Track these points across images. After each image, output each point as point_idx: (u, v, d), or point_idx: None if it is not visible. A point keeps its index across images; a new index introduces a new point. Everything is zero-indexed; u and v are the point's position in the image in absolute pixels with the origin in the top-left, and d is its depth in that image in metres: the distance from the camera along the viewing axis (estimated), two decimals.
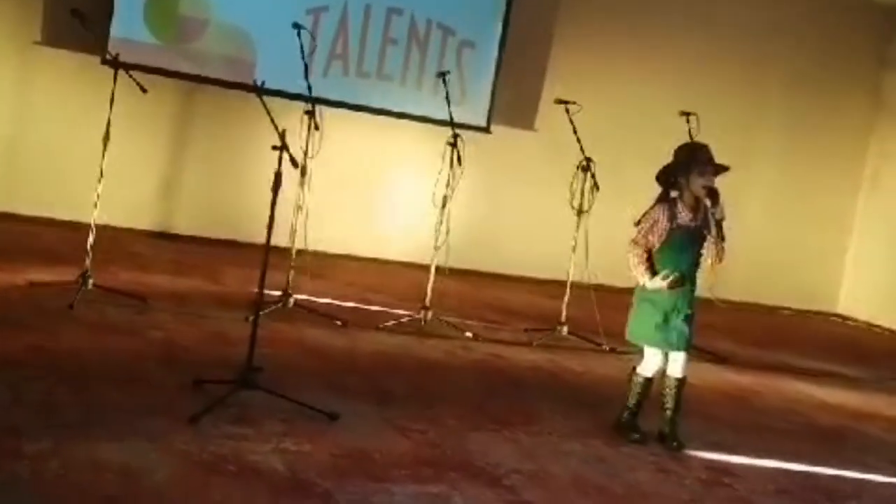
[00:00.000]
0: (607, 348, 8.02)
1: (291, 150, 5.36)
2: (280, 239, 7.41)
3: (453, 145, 7.87)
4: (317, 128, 7.43)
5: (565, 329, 8.18)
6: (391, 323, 7.64)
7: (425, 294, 7.87)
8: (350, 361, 6.61)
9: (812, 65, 12.20)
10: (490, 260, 10.83)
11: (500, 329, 8.30)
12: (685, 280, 5.68)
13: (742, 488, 5.33)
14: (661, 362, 5.78)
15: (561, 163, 8.73)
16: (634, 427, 5.81)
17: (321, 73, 9.79)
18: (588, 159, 8.24)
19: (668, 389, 5.78)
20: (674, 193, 5.74)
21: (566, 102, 8.32)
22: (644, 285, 5.71)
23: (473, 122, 10.23)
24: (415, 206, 9.62)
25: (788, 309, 12.22)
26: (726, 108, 11.54)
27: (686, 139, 8.59)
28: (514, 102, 10.81)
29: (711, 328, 8.97)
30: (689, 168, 5.64)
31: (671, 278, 5.63)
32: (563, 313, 8.21)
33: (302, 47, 7.41)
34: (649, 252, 5.72)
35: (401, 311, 7.96)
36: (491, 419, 5.80)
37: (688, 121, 8.66)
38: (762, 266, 11.89)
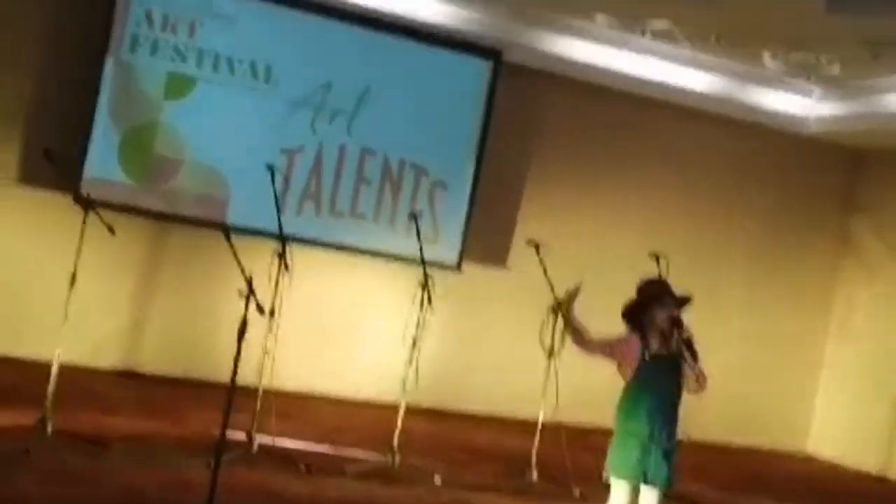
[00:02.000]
0: (578, 494, 7.87)
1: (258, 289, 5.34)
2: (247, 377, 7.35)
3: (424, 285, 7.86)
4: (287, 268, 7.41)
5: (535, 473, 8.04)
6: (357, 469, 7.49)
7: (393, 435, 7.75)
8: None
9: (779, 207, 12.35)
10: (459, 398, 10.72)
11: (470, 473, 8.14)
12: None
13: None
14: (628, 501, 5.64)
15: (532, 302, 8.72)
16: None
17: (294, 212, 9.85)
18: (559, 302, 8.22)
19: None
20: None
21: (537, 245, 8.35)
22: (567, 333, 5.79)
23: (445, 261, 10.26)
24: (385, 344, 9.56)
25: (758, 449, 12.10)
26: (694, 250, 11.63)
27: None
28: (486, 242, 10.87)
29: (680, 470, 8.86)
30: (653, 303, 5.68)
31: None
32: (534, 456, 8.08)
33: (274, 187, 7.47)
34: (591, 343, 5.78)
35: (368, 455, 7.82)
36: None
37: (658, 263, 8.71)
38: (731, 407, 11.81)
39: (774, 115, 11.70)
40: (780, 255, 12.38)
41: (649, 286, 5.86)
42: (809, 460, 12.23)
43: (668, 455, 5.60)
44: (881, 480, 11.34)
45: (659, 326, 5.65)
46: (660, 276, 6.09)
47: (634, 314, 5.75)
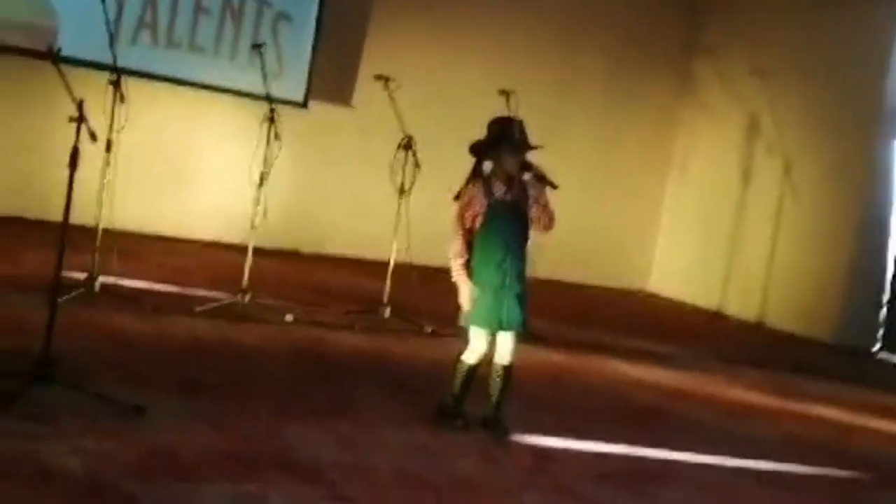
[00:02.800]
0: (430, 330, 7.89)
1: (92, 123, 4.98)
2: (86, 218, 6.98)
3: (271, 120, 7.56)
4: (122, 99, 6.97)
5: (388, 311, 8.00)
6: (205, 307, 7.28)
7: (242, 276, 7.54)
8: (159, 350, 6.25)
9: (623, 45, 12.38)
10: (310, 240, 10.54)
11: (322, 312, 8.04)
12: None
13: (564, 475, 5.28)
14: (486, 347, 5.66)
15: (381, 140, 8.54)
16: (458, 413, 5.68)
17: (129, 42, 9.28)
18: (409, 137, 8.07)
19: (495, 376, 5.65)
20: (487, 166, 5.64)
21: (386, 78, 8.12)
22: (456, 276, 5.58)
23: (291, 97, 9.90)
24: (230, 183, 9.23)
25: (602, 287, 12.41)
26: (542, 85, 11.56)
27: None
28: (332, 78, 10.52)
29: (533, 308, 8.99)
30: (501, 144, 5.57)
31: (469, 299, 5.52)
32: (386, 295, 8.03)
33: (106, 14, 6.96)
34: (470, 234, 5.58)
35: (217, 294, 7.60)
36: (309, 409, 5.57)
37: (507, 99, 8.59)
38: (575, 244, 11.98)
39: None
40: (623, 93, 12.47)
41: (500, 126, 5.71)
42: (651, 297, 12.64)
43: (520, 298, 5.60)
44: (719, 316, 11.83)
45: (507, 171, 5.55)
46: (510, 115, 5.96)
47: (483, 151, 5.64)
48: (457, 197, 5.66)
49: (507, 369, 5.65)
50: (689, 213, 12.61)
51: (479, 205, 5.54)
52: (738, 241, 11.96)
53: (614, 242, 12.57)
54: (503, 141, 5.56)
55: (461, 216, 5.59)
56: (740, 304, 11.75)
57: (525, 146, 5.62)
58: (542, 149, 5.69)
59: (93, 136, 4.90)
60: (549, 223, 5.72)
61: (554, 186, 5.63)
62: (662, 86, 12.73)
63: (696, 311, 12.06)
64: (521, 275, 5.65)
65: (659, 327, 10.78)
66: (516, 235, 5.64)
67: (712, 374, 8.61)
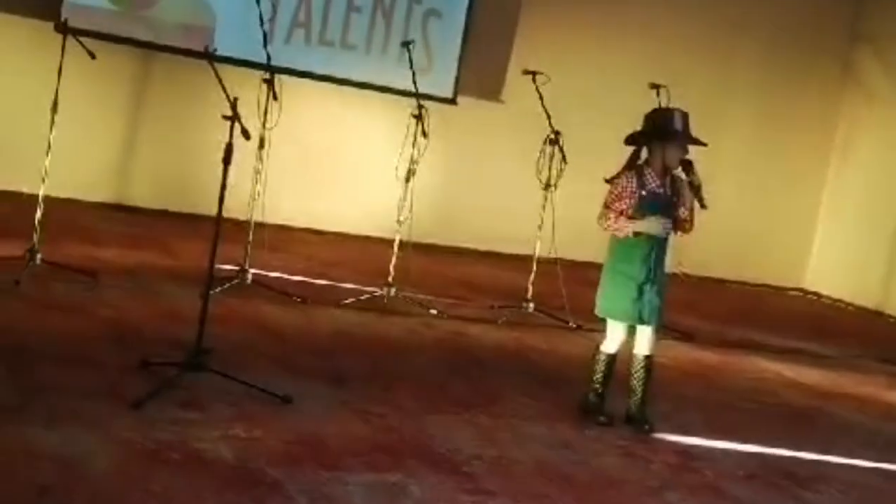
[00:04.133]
0: (574, 325, 7.84)
1: (246, 120, 5.14)
2: (238, 212, 7.21)
3: (418, 117, 7.63)
4: (275, 97, 7.15)
5: (531, 306, 7.99)
6: (352, 300, 7.41)
7: (388, 270, 7.64)
8: (307, 341, 6.39)
9: (783, 35, 12.03)
10: (455, 234, 10.61)
11: (466, 306, 8.09)
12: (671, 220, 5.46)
13: (711, 473, 5.17)
14: (625, 336, 5.59)
15: (529, 135, 8.51)
16: (601, 409, 5.63)
17: (283, 41, 9.51)
18: (556, 132, 8.03)
19: (636, 369, 5.59)
20: (643, 156, 5.55)
21: (534, 73, 8.10)
22: (629, 235, 5.45)
23: (439, 93, 9.98)
24: (378, 178, 9.35)
25: (755, 284, 12.10)
26: (696, 80, 11.32)
27: None
28: (482, 73, 10.55)
29: (675, 303, 8.83)
30: (666, 135, 5.45)
31: (660, 220, 5.42)
32: (530, 290, 8.02)
33: (261, 14, 7.16)
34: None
35: (362, 287, 7.73)
36: (452, 401, 5.61)
37: (658, 94, 8.47)
38: (730, 240, 11.73)
39: None
40: (782, 85, 12.11)
41: (661, 117, 5.59)
42: (806, 295, 12.25)
43: (661, 293, 5.51)
44: (879, 314, 11.37)
45: (665, 163, 5.45)
46: (671, 108, 5.81)
47: (642, 140, 5.54)
48: (610, 181, 5.58)
49: (649, 360, 5.57)
50: (851, 205, 12.14)
51: (630, 196, 5.46)
52: None
53: (772, 237, 12.22)
54: (667, 132, 5.45)
55: (609, 207, 5.50)
56: None
57: (690, 140, 5.50)
58: (706, 146, 5.56)
59: (245, 134, 5.04)
60: (690, 227, 5.63)
61: (703, 206, 5.51)
62: (823, 75, 12.30)
63: (856, 310, 11.62)
64: (663, 270, 5.56)
65: (815, 326, 10.44)
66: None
67: (870, 374, 8.30)
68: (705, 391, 6.87)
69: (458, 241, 10.62)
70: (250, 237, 7.35)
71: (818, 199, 12.49)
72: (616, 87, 10.83)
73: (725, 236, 11.56)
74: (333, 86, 9.89)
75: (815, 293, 12.23)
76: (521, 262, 8.78)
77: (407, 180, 7.69)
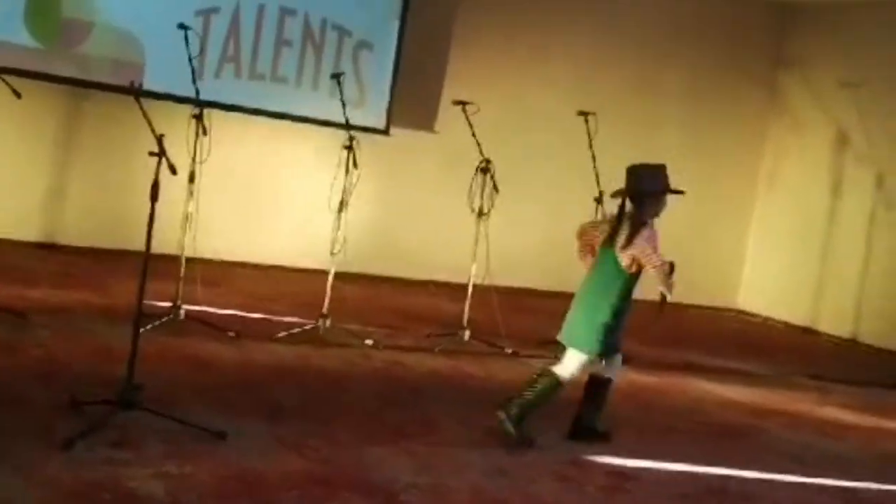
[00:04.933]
0: (510, 351, 7.89)
1: (176, 156, 5.13)
2: (171, 247, 7.17)
3: (349, 148, 7.66)
4: (205, 132, 7.14)
5: (467, 333, 8.02)
6: (287, 333, 7.39)
7: (323, 301, 7.64)
8: (242, 375, 6.36)
9: (710, 63, 12.28)
10: (391, 264, 10.63)
11: (402, 335, 8.11)
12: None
13: (642, 494, 5.23)
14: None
15: (461, 165, 8.59)
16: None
17: (213, 76, 9.49)
18: (487, 161, 8.10)
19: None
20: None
21: (464, 103, 8.18)
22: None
23: (372, 125, 10.02)
24: (312, 210, 9.35)
25: (691, 306, 12.26)
26: (625, 107, 11.53)
27: (585, 140, 8.57)
28: (414, 104, 10.63)
29: None
30: (663, 192, 5.81)
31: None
32: (465, 317, 8.06)
33: (189, 50, 7.15)
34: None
35: (298, 320, 7.72)
36: (389, 431, 5.62)
37: (586, 121, 8.60)
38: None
39: None
40: (710, 112, 12.35)
41: (660, 170, 5.91)
42: (741, 314, 12.44)
43: None
44: (810, 333, 11.59)
45: (653, 215, 5.77)
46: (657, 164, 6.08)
47: (646, 195, 5.77)
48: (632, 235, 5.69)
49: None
50: (779, 227, 12.39)
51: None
52: (830, 255, 11.71)
53: (704, 260, 12.39)
54: (663, 188, 5.80)
55: (657, 252, 5.69)
56: (833, 320, 11.50)
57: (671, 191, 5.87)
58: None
59: (172, 170, 5.03)
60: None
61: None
62: (750, 100, 12.57)
63: (788, 328, 11.82)
64: None
65: (748, 345, 10.61)
66: None
67: (803, 391, 8.45)
68: (641, 413, 6.94)
69: (394, 271, 10.65)
70: (182, 272, 7.30)
71: (748, 222, 12.72)
72: (546, 116, 10.98)
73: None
74: (265, 119, 9.89)
75: (748, 313, 12.43)
76: (456, 290, 8.82)
77: (340, 211, 7.70)
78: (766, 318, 12.14)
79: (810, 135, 12.15)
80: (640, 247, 5.60)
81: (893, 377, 9.43)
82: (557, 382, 5.65)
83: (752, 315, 12.35)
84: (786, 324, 11.90)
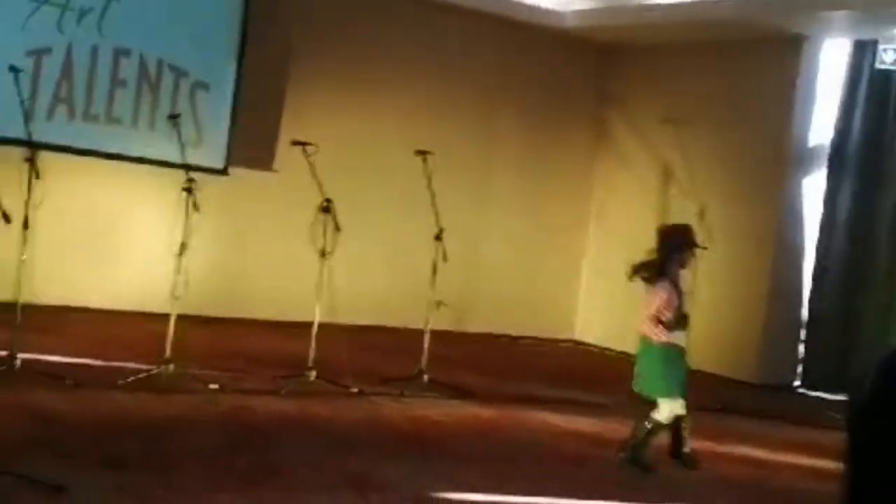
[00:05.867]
0: (356, 390, 7.94)
1: (12, 202, 5.02)
2: (6, 294, 6.96)
3: (188, 190, 7.60)
4: (38, 176, 6.97)
5: (313, 373, 8.02)
6: (129, 379, 7.25)
7: (165, 346, 7.53)
8: (82, 425, 6.22)
9: (540, 101, 12.68)
10: (234, 305, 10.54)
11: (247, 378, 8.04)
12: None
13: None
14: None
15: (301, 205, 8.62)
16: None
17: (45, 118, 9.27)
18: (328, 200, 8.15)
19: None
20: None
21: (303, 143, 8.22)
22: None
23: (211, 164, 9.96)
24: (152, 253, 9.22)
25: (529, 338, 12.56)
26: (461, 146, 11.80)
27: (423, 178, 8.71)
28: (252, 144, 10.61)
29: (453, 361, 9.10)
30: (690, 248, 6.89)
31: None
32: (311, 357, 8.06)
33: (19, 91, 6.99)
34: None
35: (139, 366, 7.58)
36: (235, 478, 5.58)
37: (424, 160, 8.74)
38: (503, 299, 12.20)
39: (530, 9, 11.91)
40: (541, 148, 12.74)
41: (687, 230, 7.00)
42: (578, 346, 12.80)
43: None
44: None
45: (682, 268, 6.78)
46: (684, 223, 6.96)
47: (672, 252, 6.83)
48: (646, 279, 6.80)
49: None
50: (610, 261, 12.81)
51: (669, 308, 6.66)
52: None
53: (541, 293, 12.75)
54: (689, 245, 6.83)
55: (662, 312, 6.67)
56: None
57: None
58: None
59: (5, 218, 4.92)
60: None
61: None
62: (578, 138, 13.03)
63: (622, 357, 12.21)
64: None
65: (585, 375, 10.92)
66: None
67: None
68: (484, 447, 7.08)
69: (238, 312, 10.56)
70: (18, 319, 7.08)
71: (581, 255, 13.15)
72: (384, 154, 11.14)
73: (498, 294, 12.03)
74: (101, 161, 9.71)
75: (585, 343, 12.81)
76: (301, 329, 8.80)
77: (180, 254, 7.62)
78: (604, 349, 12.54)
79: (636, 170, 12.66)
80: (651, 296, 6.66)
81: (723, 401, 9.86)
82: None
83: (589, 345, 12.73)
84: (621, 353, 12.30)
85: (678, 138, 12.00)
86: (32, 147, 6.99)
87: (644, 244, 12.23)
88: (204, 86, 10.19)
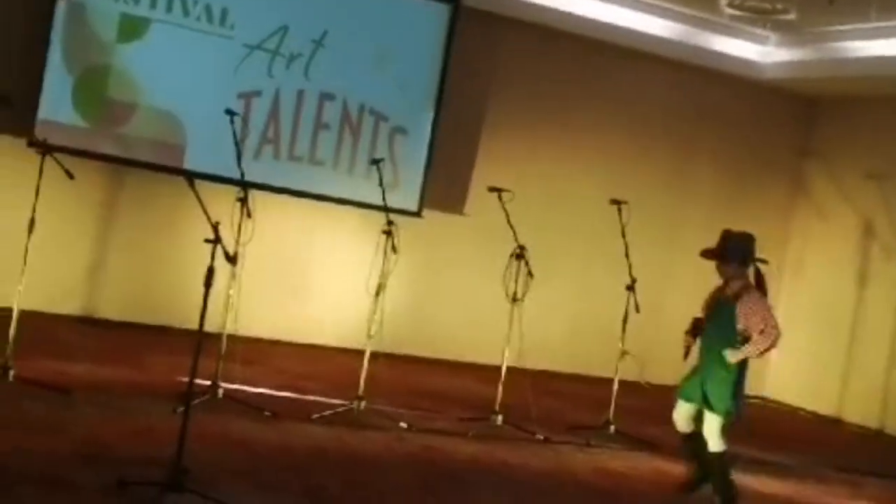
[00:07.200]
0: (541, 437, 7.94)
1: (223, 240, 5.27)
2: (210, 324, 7.26)
3: (388, 233, 7.80)
4: (249, 215, 7.31)
5: (500, 418, 8.07)
6: (324, 413, 7.47)
7: (359, 382, 7.73)
8: (280, 456, 6.42)
9: (735, 151, 12.47)
10: (424, 345, 10.73)
11: (435, 418, 8.15)
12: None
13: None
14: None
15: (493, 248, 8.73)
16: None
17: (252, 157, 9.70)
18: (521, 247, 8.22)
19: None
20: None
21: (499, 190, 8.30)
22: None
23: (405, 207, 10.19)
24: (349, 291, 9.49)
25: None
26: (654, 195, 11.70)
27: (618, 227, 8.67)
28: (446, 188, 10.83)
29: (638, 412, 8.97)
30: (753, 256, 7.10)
31: None
32: (498, 401, 8.11)
33: (235, 132, 7.34)
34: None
35: (334, 401, 7.80)
36: None
37: (619, 210, 8.70)
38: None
39: (731, 60, 11.77)
40: (737, 199, 12.49)
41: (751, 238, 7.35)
42: (767, 403, 12.42)
43: None
44: (837, 423, 11.55)
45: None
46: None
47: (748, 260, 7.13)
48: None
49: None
50: (805, 316, 12.42)
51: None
52: (856, 345, 11.74)
53: None
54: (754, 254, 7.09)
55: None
56: (860, 411, 11.48)
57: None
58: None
59: (229, 258, 5.15)
60: None
61: None
62: (775, 190, 12.72)
63: (813, 418, 11.81)
64: None
65: (775, 435, 10.58)
66: None
67: (830, 484, 8.41)
68: (668, 501, 6.95)
69: (427, 352, 10.75)
70: (223, 351, 7.41)
71: (775, 309, 12.72)
72: (578, 202, 11.16)
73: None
74: (302, 201, 10.08)
75: (775, 401, 12.42)
76: (489, 372, 8.88)
77: (377, 294, 7.82)
78: (796, 408, 12.13)
79: (835, 224, 12.26)
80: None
81: None
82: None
83: (780, 404, 12.34)
84: (814, 414, 11.89)
85: (881, 194, 11.59)
86: (245, 186, 7.33)
87: (842, 299, 11.92)
88: (402, 130, 10.47)
